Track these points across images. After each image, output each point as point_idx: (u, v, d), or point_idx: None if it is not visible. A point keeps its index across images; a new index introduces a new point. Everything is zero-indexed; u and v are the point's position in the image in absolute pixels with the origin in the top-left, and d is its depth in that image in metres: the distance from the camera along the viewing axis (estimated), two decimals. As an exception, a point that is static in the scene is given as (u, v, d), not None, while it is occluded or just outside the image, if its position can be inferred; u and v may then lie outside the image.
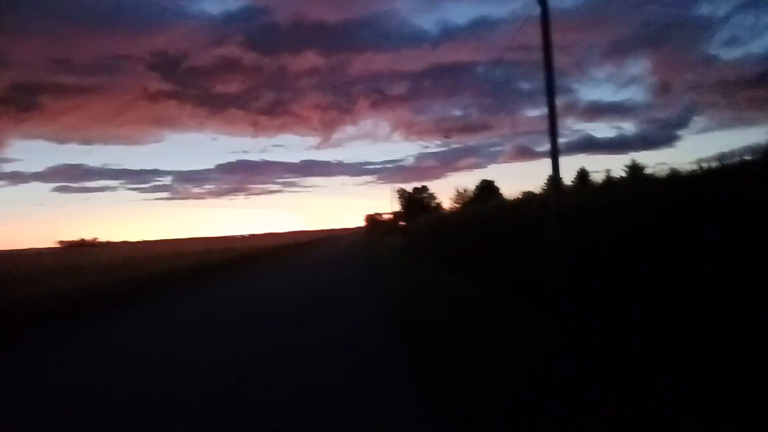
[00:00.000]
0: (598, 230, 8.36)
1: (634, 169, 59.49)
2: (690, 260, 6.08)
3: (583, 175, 78.54)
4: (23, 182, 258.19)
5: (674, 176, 7.73)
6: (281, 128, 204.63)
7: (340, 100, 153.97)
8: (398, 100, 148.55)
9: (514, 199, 14.26)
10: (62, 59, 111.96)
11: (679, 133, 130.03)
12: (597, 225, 8.45)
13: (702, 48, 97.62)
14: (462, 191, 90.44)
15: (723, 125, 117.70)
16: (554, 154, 9.72)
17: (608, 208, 8.33)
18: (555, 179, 9.66)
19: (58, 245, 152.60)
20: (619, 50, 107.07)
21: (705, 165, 6.76)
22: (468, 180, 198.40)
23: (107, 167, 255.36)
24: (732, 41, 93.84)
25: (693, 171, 7.03)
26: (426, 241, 27.59)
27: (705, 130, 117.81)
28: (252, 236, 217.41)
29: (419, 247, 29.79)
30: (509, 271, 12.10)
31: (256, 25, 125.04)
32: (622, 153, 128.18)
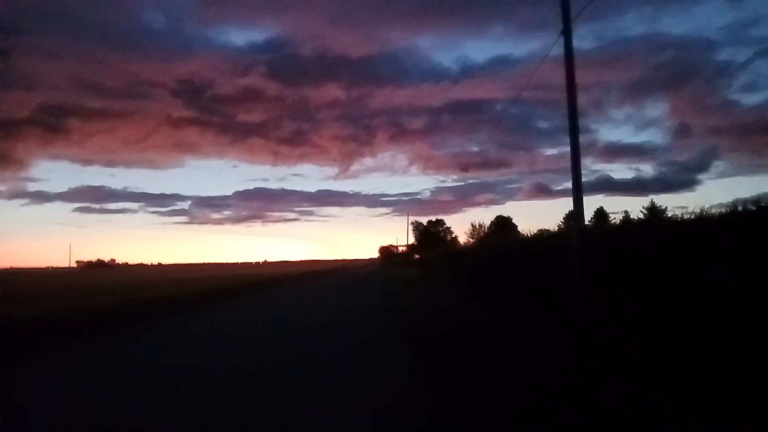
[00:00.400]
0: (619, 264, 8.02)
1: (653, 211, 59.06)
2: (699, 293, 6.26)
3: (600, 214, 78.00)
4: (46, 201, 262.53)
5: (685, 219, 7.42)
6: (300, 158, 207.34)
7: (359, 132, 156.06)
8: (416, 135, 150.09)
9: (533, 234, 13.91)
10: (91, 83, 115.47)
11: (699, 176, 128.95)
12: (618, 259, 8.11)
13: (722, 93, 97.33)
14: (478, 226, 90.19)
15: (743, 170, 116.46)
16: (577, 191, 9.42)
17: (626, 245, 7.99)
18: (578, 215, 9.33)
19: (76, 265, 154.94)
20: (639, 92, 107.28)
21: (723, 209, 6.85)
22: (484, 216, 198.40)
23: (128, 190, 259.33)
24: (751, 87, 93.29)
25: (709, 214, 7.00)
26: (441, 273, 27.18)
27: (725, 174, 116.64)
28: (266, 263, 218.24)
29: (434, 279, 29.38)
30: (529, 302, 11.71)
31: (279, 57, 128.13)
32: (640, 195, 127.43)
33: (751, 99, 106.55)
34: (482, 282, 16.57)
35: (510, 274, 13.39)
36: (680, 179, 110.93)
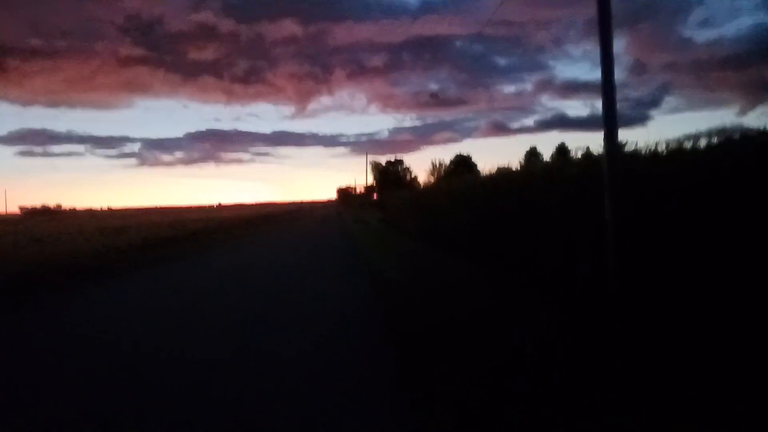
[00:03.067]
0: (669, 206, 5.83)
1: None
2: None
3: (562, 150, 77.07)
4: None
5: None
6: (255, 97, 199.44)
7: (316, 70, 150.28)
8: (375, 72, 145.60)
9: (538, 168, 11.63)
10: (32, 20, 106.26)
11: (651, 112, 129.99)
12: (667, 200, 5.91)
13: (677, 29, 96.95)
14: (438, 165, 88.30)
15: (694, 106, 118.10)
16: (610, 113, 7.10)
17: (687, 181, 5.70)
18: (612, 144, 7.03)
19: (19, 211, 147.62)
20: (596, 28, 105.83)
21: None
22: (442, 154, 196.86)
23: (74, 132, 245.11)
24: (706, 23, 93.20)
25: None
26: (407, 217, 24.98)
27: (676, 110, 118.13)
28: (220, 206, 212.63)
29: (399, 223, 27.17)
30: (527, 257, 9.54)
31: None
32: (595, 131, 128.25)
33: (705, 35, 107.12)
34: (459, 228, 14.37)
35: (495, 219, 11.19)
36: (634, 115, 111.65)
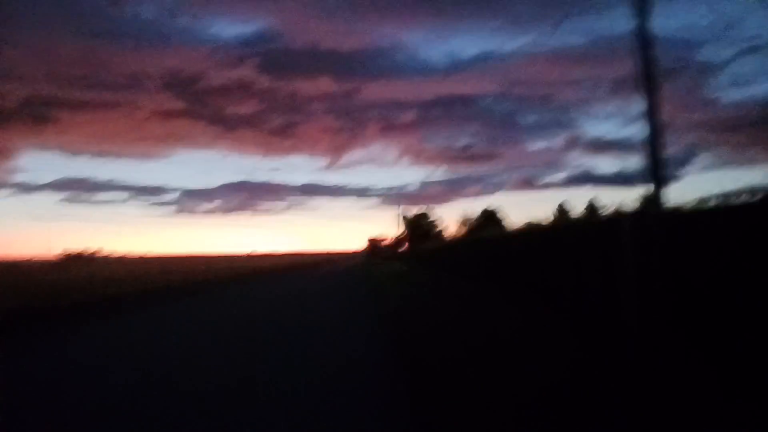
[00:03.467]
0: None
1: (647, 202, 57.88)
2: None
3: (592, 206, 76.93)
4: (32, 192, 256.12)
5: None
6: (290, 150, 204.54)
7: (349, 124, 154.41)
8: (406, 127, 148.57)
9: (561, 222, 12.24)
10: (80, 75, 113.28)
11: (681, 171, 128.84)
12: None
13: (704, 90, 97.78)
14: (466, 218, 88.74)
15: (722, 165, 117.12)
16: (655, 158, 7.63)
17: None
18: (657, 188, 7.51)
19: (60, 257, 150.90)
20: (624, 88, 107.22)
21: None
22: (472, 207, 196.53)
23: (115, 182, 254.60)
24: (733, 84, 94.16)
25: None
26: (432, 267, 25.54)
27: (707, 168, 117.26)
28: (253, 255, 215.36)
29: (424, 274, 27.72)
30: (542, 302, 10.06)
31: (270, 49, 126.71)
32: (624, 187, 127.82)
33: (732, 95, 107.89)
34: (479, 278, 14.94)
35: (517, 270, 11.76)
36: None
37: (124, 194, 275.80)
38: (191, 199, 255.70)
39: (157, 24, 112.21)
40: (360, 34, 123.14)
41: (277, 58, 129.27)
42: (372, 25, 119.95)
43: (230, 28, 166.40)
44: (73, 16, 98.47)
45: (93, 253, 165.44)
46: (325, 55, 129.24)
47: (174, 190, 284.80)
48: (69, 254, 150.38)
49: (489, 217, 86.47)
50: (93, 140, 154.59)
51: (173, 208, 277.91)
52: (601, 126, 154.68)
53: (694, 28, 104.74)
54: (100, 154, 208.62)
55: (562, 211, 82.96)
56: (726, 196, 6.27)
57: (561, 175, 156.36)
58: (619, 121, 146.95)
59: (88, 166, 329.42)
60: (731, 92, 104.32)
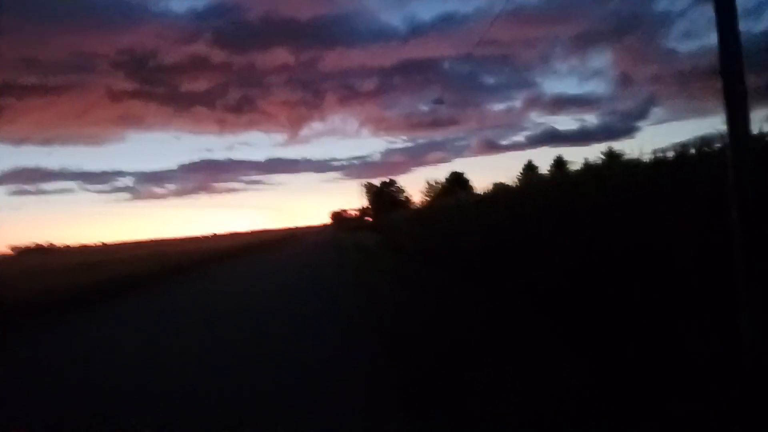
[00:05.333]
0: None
1: (611, 156, 57.15)
2: None
3: (560, 163, 76.10)
4: None
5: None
6: (248, 126, 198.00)
7: (308, 96, 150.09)
8: (366, 96, 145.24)
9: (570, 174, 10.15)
10: (24, 58, 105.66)
11: (639, 123, 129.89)
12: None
13: (660, 41, 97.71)
14: (434, 183, 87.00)
15: (679, 115, 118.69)
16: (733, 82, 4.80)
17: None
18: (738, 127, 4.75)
19: (11, 251, 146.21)
20: (581, 44, 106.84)
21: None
22: (434, 174, 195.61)
23: (66, 169, 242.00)
24: (688, 34, 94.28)
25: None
26: (406, 238, 23.49)
27: (663, 120, 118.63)
28: (215, 236, 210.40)
29: (400, 246, 25.64)
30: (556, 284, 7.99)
31: (224, 22, 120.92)
32: (584, 145, 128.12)
33: (687, 46, 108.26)
34: (475, 252, 12.86)
35: (528, 243, 9.69)
36: (621, 127, 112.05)
37: (77, 182, 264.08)
38: (148, 182, 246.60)
39: (106, 1, 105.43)
40: (317, 1, 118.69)
41: (231, 31, 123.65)
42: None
43: (181, 2, 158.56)
44: None
45: (48, 245, 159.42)
46: (282, 25, 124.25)
47: (129, 174, 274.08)
48: (21, 247, 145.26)
49: (456, 181, 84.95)
50: (41, 127, 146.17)
51: (129, 192, 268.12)
52: (559, 84, 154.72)
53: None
54: (50, 141, 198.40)
55: (529, 170, 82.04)
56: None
57: (523, 136, 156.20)
58: (578, 78, 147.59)
59: (37, 155, 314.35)
60: (687, 43, 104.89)
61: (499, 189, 12.26)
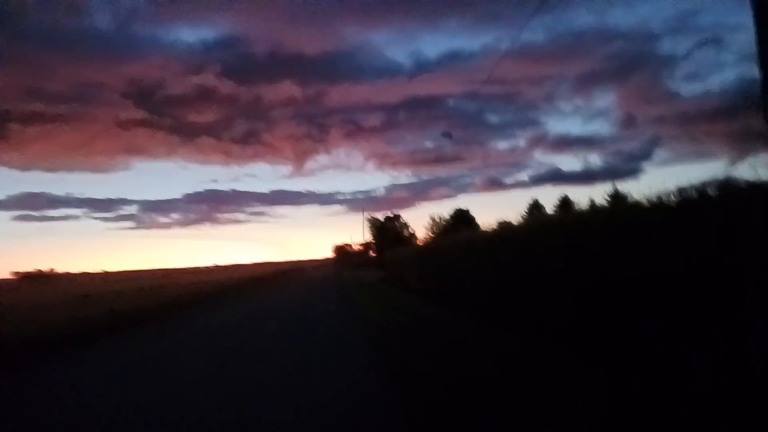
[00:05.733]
0: None
1: (617, 197, 56.45)
2: None
3: (566, 202, 75.47)
4: None
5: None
6: (253, 158, 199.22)
7: (313, 130, 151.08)
8: (371, 131, 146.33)
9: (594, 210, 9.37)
10: (33, 87, 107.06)
11: (643, 165, 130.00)
12: None
13: (664, 83, 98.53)
14: (438, 219, 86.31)
15: (683, 158, 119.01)
16: None
17: None
18: None
19: (13, 277, 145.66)
20: (586, 84, 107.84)
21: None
22: (437, 210, 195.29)
23: (71, 196, 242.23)
24: (692, 77, 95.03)
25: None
26: (412, 276, 22.61)
27: (666, 162, 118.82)
28: (216, 267, 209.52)
29: (404, 284, 24.73)
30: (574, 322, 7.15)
31: (232, 55, 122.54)
32: (587, 185, 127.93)
33: (691, 88, 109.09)
34: (486, 289, 12.01)
35: (528, 273, 8.88)
36: (625, 168, 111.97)
37: (82, 209, 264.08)
38: (152, 211, 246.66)
39: (113, 32, 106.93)
40: (323, 37, 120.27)
41: (238, 63, 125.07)
42: (335, 28, 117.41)
43: (190, 34, 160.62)
44: (26, 26, 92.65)
45: (49, 272, 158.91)
46: (289, 59, 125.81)
47: (134, 202, 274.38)
48: (23, 273, 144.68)
49: (460, 218, 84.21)
50: (47, 154, 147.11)
51: (132, 221, 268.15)
52: (564, 123, 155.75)
53: (656, 20, 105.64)
54: (55, 168, 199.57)
55: (534, 208, 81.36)
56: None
57: (526, 175, 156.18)
58: (582, 118, 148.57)
59: (43, 181, 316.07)
60: (690, 86, 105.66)
61: (515, 226, 11.48)
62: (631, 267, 6.29)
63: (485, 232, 13.74)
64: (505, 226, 12.21)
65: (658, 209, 6.46)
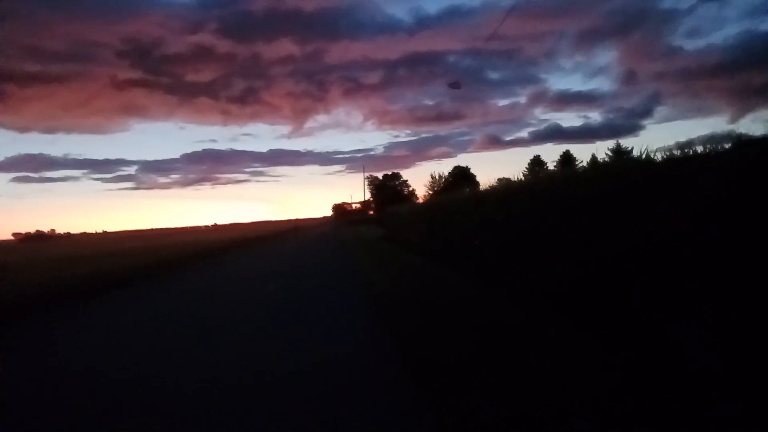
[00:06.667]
0: None
1: (618, 153, 55.65)
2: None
3: (567, 159, 74.66)
4: None
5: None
6: (252, 117, 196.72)
7: (312, 88, 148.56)
8: (371, 89, 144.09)
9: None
10: (28, 46, 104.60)
11: (643, 122, 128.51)
12: None
13: (666, 39, 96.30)
14: (438, 177, 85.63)
15: (684, 114, 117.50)
16: None
17: None
18: None
19: (13, 238, 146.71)
20: (587, 40, 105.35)
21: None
22: (436, 169, 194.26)
23: (70, 157, 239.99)
24: (694, 32, 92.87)
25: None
26: (414, 233, 22.12)
27: (667, 119, 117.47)
28: (216, 227, 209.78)
29: (406, 240, 24.26)
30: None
31: (230, 13, 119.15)
32: (588, 142, 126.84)
33: (693, 44, 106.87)
34: (493, 247, 11.48)
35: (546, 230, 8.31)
36: (626, 125, 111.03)
37: (81, 170, 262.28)
38: (151, 172, 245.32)
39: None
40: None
41: (236, 21, 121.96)
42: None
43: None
44: None
45: (50, 232, 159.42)
46: (287, 16, 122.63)
47: (133, 162, 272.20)
48: (23, 234, 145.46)
49: (460, 176, 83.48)
50: (44, 115, 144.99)
51: (132, 182, 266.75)
52: (564, 81, 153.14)
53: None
54: (53, 129, 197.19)
55: (536, 165, 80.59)
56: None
57: (526, 132, 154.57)
58: (583, 74, 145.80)
59: (41, 143, 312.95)
60: (692, 41, 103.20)
61: (522, 182, 10.85)
62: (643, 224, 5.85)
63: (494, 188, 13.13)
64: (511, 183, 11.57)
65: (670, 164, 6.17)
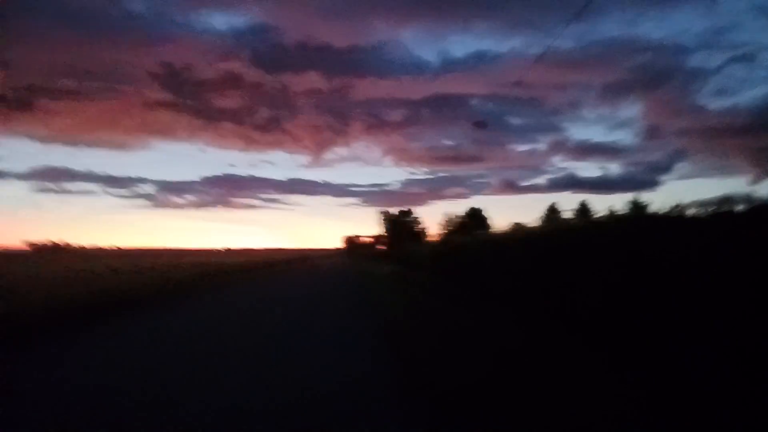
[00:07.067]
0: None
1: (636, 207, 55.61)
2: None
3: (584, 209, 74.66)
4: (4, 180, 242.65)
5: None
6: (273, 145, 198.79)
7: (335, 121, 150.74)
8: (392, 126, 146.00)
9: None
10: (62, 63, 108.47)
11: (662, 177, 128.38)
12: None
13: (692, 97, 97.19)
14: (452, 217, 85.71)
15: (704, 173, 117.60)
16: None
17: None
18: None
19: (28, 247, 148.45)
20: (612, 93, 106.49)
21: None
22: (452, 209, 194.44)
23: (90, 171, 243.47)
24: (721, 92, 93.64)
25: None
26: (436, 272, 22.09)
27: (687, 176, 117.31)
28: (228, 251, 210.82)
29: (426, 281, 24.21)
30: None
31: (261, 43, 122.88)
32: (605, 193, 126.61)
33: (719, 103, 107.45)
34: (524, 288, 11.47)
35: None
36: (644, 179, 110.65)
37: (100, 185, 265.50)
38: (168, 191, 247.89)
39: (148, 15, 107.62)
40: (352, 31, 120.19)
41: (267, 52, 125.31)
42: (365, 22, 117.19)
43: (222, 20, 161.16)
44: (63, 7, 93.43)
45: (64, 245, 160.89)
46: (316, 51, 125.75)
47: (152, 181, 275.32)
48: (38, 244, 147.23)
49: (474, 216, 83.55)
50: (70, 129, 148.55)
51: (148, 200, 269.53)
52: (585, 131, 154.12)
53: (686, 34, 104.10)
54: (77, 143, 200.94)
55: (552, 212, 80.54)
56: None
57: (544, 179, 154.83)
58: (605, 126, 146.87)
59: (64, 156, 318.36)
60: (718, 100, 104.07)
61: (557, 226, 10.98)
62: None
63: (521, 230, 13.20)
64: (544, 228, 11.68)
65: (684, 220, 6.61)
